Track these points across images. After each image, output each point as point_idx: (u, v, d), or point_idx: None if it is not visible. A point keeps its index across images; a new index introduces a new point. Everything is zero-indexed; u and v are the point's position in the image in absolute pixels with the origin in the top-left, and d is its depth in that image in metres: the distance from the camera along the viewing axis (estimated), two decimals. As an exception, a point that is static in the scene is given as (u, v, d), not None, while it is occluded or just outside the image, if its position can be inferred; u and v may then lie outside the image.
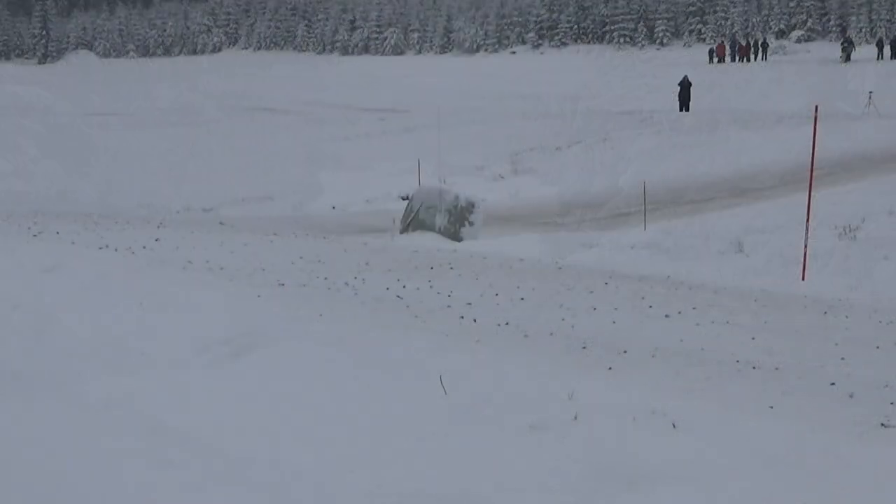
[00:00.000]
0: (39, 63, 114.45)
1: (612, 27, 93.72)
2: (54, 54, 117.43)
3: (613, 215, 22.62)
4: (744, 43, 71.83)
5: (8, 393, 6.37)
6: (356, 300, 9.86)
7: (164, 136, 35.49)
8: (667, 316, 10.05)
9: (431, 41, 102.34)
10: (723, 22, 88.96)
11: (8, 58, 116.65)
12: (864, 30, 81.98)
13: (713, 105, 39.59)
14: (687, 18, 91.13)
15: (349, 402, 6.07)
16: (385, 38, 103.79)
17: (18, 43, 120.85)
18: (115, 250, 11.93)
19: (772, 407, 6.47)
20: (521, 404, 5.69)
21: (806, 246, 14.18)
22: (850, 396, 7.07)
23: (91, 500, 4.82)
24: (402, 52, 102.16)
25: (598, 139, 31.93)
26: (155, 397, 6.34)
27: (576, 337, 8.66)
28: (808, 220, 14.56)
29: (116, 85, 67.77)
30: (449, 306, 9.82)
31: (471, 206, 19.45)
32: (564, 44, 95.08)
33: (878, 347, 9.09)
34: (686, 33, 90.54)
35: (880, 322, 10.66)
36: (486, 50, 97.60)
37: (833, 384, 7.39)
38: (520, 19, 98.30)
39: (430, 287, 10.93)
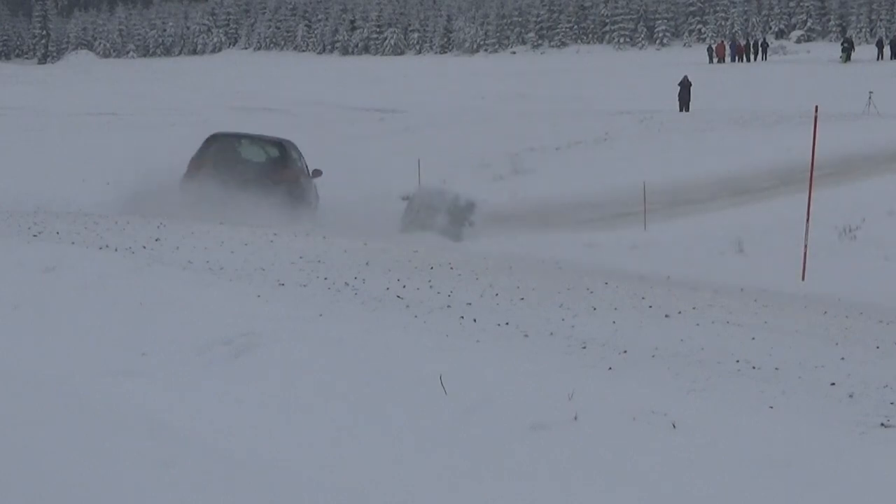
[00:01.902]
0: (39, 63, 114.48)
1: (612, 27, 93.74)
2: (54, 54, 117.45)
3: (613, 215, 22.63)
4: (743, 43, 71.82)
5: (8, 393, 6.38)
6: (356, 300, 9.86)
7: (163, 136, 35.50)
8: (667, 316, 10.05)
9: (431, 41, 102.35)
10: (723, 22, 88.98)
11: (8, 58, 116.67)
12: (864, 30, 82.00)
13: (713, 105, 39.58)
14: (687, 18, 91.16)
15: (349, 402, 6.07)
16: (385, 38, 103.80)
17: (18, 43, 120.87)
18: (115, 250, 11.93)
19: (772, 407, 6.46)
20: (521, 404, 5.69)
21: (806, 246, 14.18)
22: (850, 396, 7.07)
23: (91, 500, 4.82)
24: (402, 52, 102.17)
25: (598, 139, 31.93)
26: (155, 397, 6.34)
27: (576, 337, 8.66)
28: (808, 220, 14.56)
29: (116, 84, 67.77)
30: (449, 306, 9.82)
31: (471, 206, 19.44)
32: (564, 44, 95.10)
33: (878, 347, 9.09)
34: (686, 33, 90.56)
35: (880, 322, 10.66)
36: (486, 50, 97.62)
37: (833, 384, 7.39)
38: (520, 19, 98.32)
39: (430, 287, 10.92)
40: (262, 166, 15.43)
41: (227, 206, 14.09)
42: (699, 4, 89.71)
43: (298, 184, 15.66)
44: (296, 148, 17.09)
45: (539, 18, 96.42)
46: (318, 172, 17.31)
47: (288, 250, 13.71)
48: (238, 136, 16.89)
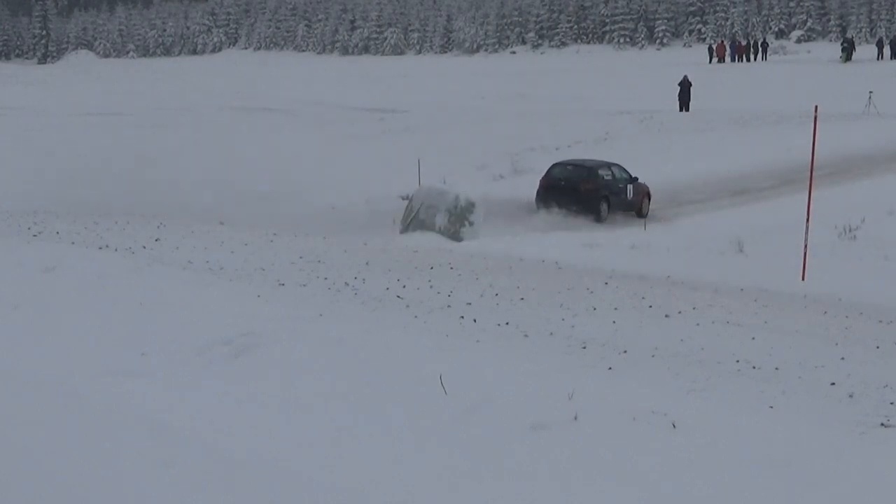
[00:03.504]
0: (39, 63, 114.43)
1: (612, 27, 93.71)
2: (54, 54, 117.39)
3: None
4: (743, 43, 71.77)
5: (8, 393, 6.37)
6: (356, 300, 9.87)
7: (164, 136, 35.50)
8: (667, 316, 10.05)
9: (431, 41, 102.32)
10: (723, 22, 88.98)
11: (8, 58, 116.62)
12: (864, 30, 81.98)
13: (713, 105, 39.56)
14: (687, 18, 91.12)
15: (349, 402, 6.07)
16: (385, 38, 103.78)
17: (18, 43, 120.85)
18: (115, 250, 11.95)
19: (772, 407, 6.47)
20: (521, 404, 5.69)
21: (806, 246, 14.17)
22: (850, 396, 7.08)
23: (91, 499, 4.82)
24: (402, 52, 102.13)
25: (598, 139, 31.92)
26: (155, 397, 6.34)
27: (576, 337, 8.66)
28: (808, 220, 14.54)
29: (116, 84, 67.76)
30: (449, 306, 9.83)
31: (471, 206, 19.41)
32: (564, 44, 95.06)
33: (878, 347, 9.09)
34: (686, 33, 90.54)
35: (880, 322, 10.66)
36: (486, 50, 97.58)
37: (833, 384, 7.39)
38: (520, 19, 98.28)
39: (430, 287, 10.93)
40: (575, 181, 22.80)
41: (559, 207, 22.14)
42: (699, 4, 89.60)
43: (598, 192, 22.65)
44: (610, 166, 23.65)
45: (539, 18, 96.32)
46: (634, 178, 23.68)
47: (288, 250, 13.72)
48: (566, 163, 24.01)
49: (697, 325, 9.60)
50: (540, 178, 23.35)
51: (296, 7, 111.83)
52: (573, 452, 5.13)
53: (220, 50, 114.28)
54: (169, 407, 6.13)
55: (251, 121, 42.49)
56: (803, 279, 13.70)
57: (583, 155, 30.03)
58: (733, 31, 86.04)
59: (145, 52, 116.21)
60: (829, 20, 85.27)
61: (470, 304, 9.94)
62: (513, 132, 33.60)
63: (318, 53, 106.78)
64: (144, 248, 12.49)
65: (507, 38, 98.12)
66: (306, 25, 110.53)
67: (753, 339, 9.03)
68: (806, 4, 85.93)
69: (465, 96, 51.31)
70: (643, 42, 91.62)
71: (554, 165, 23.80)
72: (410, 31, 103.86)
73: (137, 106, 50.37)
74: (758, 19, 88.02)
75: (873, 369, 8.05)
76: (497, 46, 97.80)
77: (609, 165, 23.78)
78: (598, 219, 22.22)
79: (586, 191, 22.61)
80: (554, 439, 5.27)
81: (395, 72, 74.33)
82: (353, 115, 43.99)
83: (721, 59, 67.57)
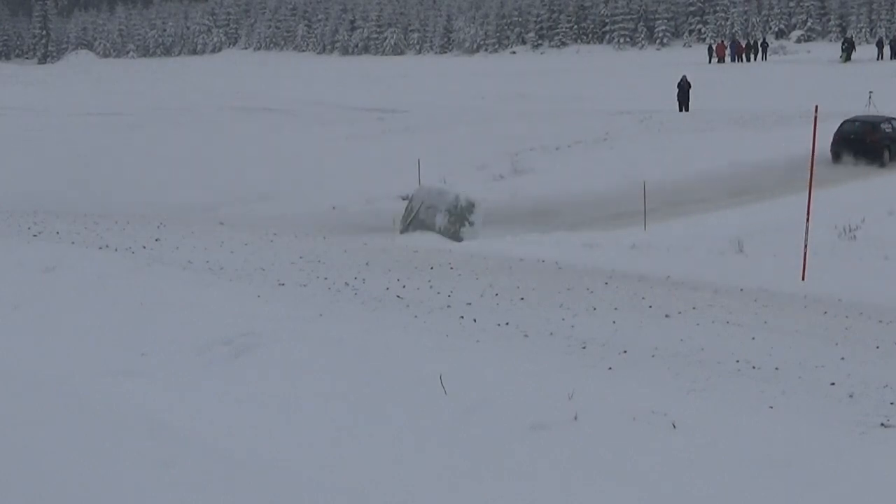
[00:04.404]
0: (40, 63, 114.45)
1: (612, 27, 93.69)
2: (54, 54, 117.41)
3: (613, 215, 22.60)
4: (743, 43, 71.75)
5: (8, 393, 6.37)
6: (356, 300, 9.87)
7: (164, 136, 35.47)
8: (667, 316, 10.06)
9: (431, 41, 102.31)
10: (723, 22, 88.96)
11: (8, 58, 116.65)
12: (864, 30, 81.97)
13: (713, 105, 39.55)
14: (687, 18, 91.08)
15: (349, 402, 6.07)
16: (385, 38, 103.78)
17: (18, 43, 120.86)
18: (115, 250, 11.95)
19: (772, 407, 6.47)
20: (521, 404, 5.69)
21: (806, 246, 14.15)
22: (850, 396, 7.08)
23: (91, 500, 4.82)
24: (402, 52, 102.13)
25: (598, 139, 31.93)
26: (155, 397, 6.34)
27: (576, 337, 8.67)
28: (808, 220, 14.53)
29: (117, 84, 67.72)
30: (449, 306, 9.83)
31: (471, 206, 19.40)
32: (564, 44, 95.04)
33: (877, 347, 9.09)
34: (686, 33, 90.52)
35: (880, 322, 10.66)
36: (486, 50, 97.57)
37: (833, 384, 7.39)
38: (520, 19, 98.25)
39: (430, 287, 10.94)
40: (862, 134, 27.48)
41: (849, 156, 27.06)
42: (699, 4, 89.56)
43: (881, 142, 27.46)
44: (891, 121, 28.23)
45: (539, 18, 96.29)
46: None
47: (288, 250, 13.72)
48: (854, 119, 28.63)
49: (697, 325, 9.61)
50: (833, 133, 27.40)
51: (296, 7, 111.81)
52: (573, 452, 5.13)
53: (220, 50, 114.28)
54: (169, 407, 6.13)
55: (251, 121, 42.45)
56: (803, 279, 13.70)
57: (582, 154, 30.04)
58: (733, 31, 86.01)
59: (145, 52, 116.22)
60: (829, 20, 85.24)
61: (470, 304, 9.95)
62: (513, 132, 33.57)
63: (318, 53, 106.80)
64: (144, 248, 12.50)
65: (507, 38, 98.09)
66: (306, 25, 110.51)
67: (753, 339, 9.03)
68: (806, 4, 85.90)
69: (465, 96, 51.27)
70: (643, 42, 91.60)
71: (844, 122, 28.25)
72: (410, 31, 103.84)
73: (137, 106, 50.32)
74: (758, 19, 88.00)
75: (873, 369, 8.05)
76: (497, 46, 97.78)
77: (890, 120, 28.59)
78: (882, 164, 26.80)
79: (871, 141, 27.45)
80: (554, 439, 5.27)
81: (395, 72, 74.29)
82: (353, 115, 43.93)
83: (721, 59, 67.53)
